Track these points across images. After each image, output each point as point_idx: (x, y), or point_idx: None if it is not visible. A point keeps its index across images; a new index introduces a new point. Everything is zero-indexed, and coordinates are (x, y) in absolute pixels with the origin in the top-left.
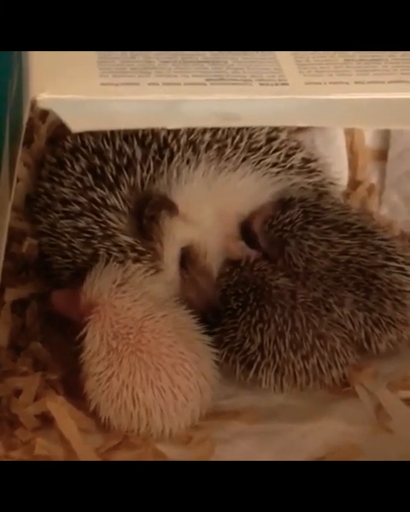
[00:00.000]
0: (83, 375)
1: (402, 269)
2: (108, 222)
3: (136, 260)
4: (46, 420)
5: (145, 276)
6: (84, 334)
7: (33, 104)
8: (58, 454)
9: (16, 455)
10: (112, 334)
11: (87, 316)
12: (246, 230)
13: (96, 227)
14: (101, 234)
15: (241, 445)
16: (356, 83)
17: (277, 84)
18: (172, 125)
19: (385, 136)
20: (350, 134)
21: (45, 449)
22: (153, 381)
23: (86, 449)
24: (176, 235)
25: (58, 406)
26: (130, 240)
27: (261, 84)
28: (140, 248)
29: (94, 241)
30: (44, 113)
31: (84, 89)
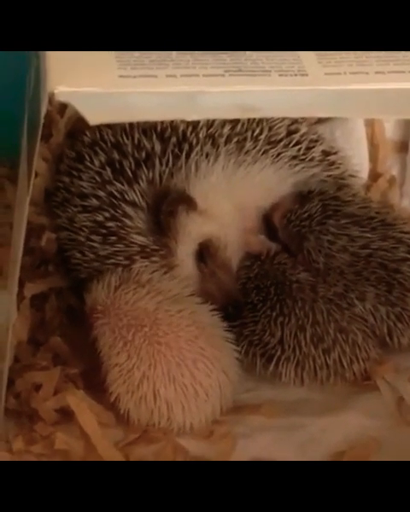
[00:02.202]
0: (105, 367)
1: None
2: (125, 219)
3: (147, 257)
4: (66, 414)
5: (153, 273)
6: (97, 334)
7: (51, 97)
8: (78, 448)
9: (36, 449)
10: (123, 326)
11: (92, 319)
12: (267, 223)
13: (113, 224)
14: (117, 230)
15: (261, 439)
16: (376, 73)
17: (296, 75)
18: (190, 117)
19: (406, 127)
20: (371, 126)
21: (65, 443)
22: (175, 377)
23: (106, 443)
24: (192, 231)
25: (78, 400)
26: (143, 239)
27: (280, 75)
28: (153, 246)
29: (111, 238)
30: (63, 108)
31: (101, 81)
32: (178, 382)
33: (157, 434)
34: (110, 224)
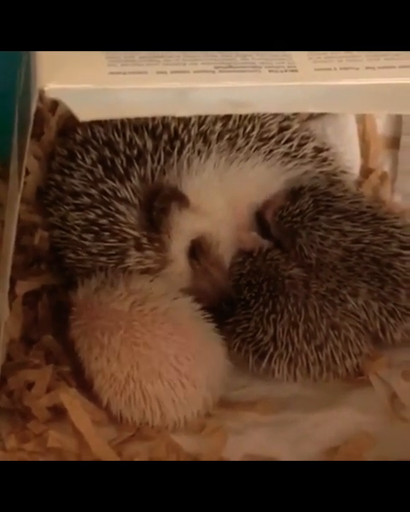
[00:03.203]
0: (88, 373)
1: None
2: (117, 216)
3: (141, 250)
4: (59, 412)
5: (127, 274)
6: (73, 336)
7: (41, 94)
8: (71, 446)
9: (29, 447)
10: (96, 328)
11: (69, 320)
12: (259, 220)
13: (105, 221)
14: (110, 226)
15: (254, 435)
16: (367, 68)
17: (286, 71)
18: (181, 114)
19: (397, 123)
20: (362, 122)
21: (58, 441)
22: (160, 373)
23: (99, 441)
24: (185, 228)
25: (71, 398)
26: (136, 234)
27: (271, 71)
28: (145, 241)
29: (104, 234)
30: (54, 105)
31: (92, 78)
32: (164, 378)
33: (151, 432)
34: (103, 221)
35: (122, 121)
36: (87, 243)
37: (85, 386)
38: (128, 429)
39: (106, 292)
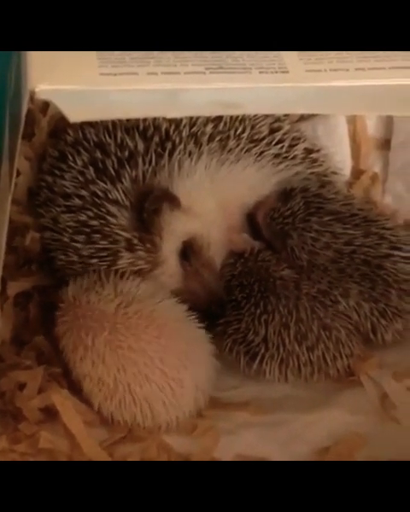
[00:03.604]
0: (75, 376)
1: (408, 258)
2: (108, 217)
3: (133, 250)
4: (50, 413)
5: (117, 275)
6: (57, 332)
7: (32, 95)
8: (62, 447)
9: (20, 448)
10: (81, 327)
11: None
12: (251, 221)
13: (96, 222)
14: (101, 228)
15: (245, 435)
16: (357, 69)
17: (277, 72)
18: (171, 115)
19: (388, 124)
20: (352, 123)
21: (50, 442)
22: (146, 376)
23: (91, 442)
24: (177, 229)
25: (62, 399)
26: (127, 235)
27: (261, 73)
28: (138, 241)
29: (95, 235)
30: (45, 106)
31: (83, 79)
32: (152, 381)
33: (142, 433)
34: (94, 222)
35: (113, 122)
36: (78, 245)
37: (75, 387)
38: (120, 431)
39: (95, 292)
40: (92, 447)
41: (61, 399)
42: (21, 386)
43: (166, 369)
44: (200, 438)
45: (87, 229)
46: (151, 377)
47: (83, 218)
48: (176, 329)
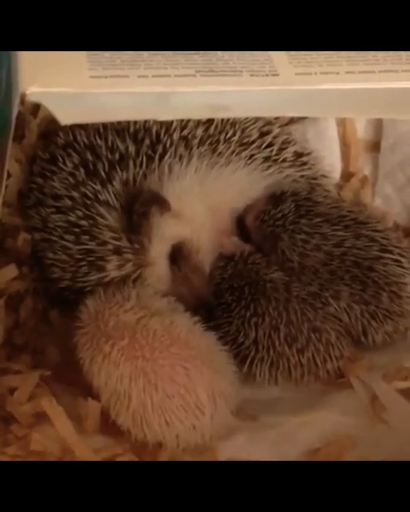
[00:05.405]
0: (96, 389)
1: (398, 260)
2: (98, 218)
3: (120, 253)
4: (41, 416)
5: (141, 289)
6: (75, 343)
7: (23, 98)
8: (54, 450)
9: (11, 451)
10: (102, 337)
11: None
12: (241, 225)
13: (86, 223)
14: (90, 229)
15: (236, 438)
16: (347, 73)
17: (267, 75)
18: (162, 117)
19: (377, 127)
20: (342, 126)
21: (41, 444)
22: (165, 391)
23: (83, 446)
24: (166, 232)
25: (53, 406)
26: (117, 236)
27: (252, 75)
28: (126, 244)
29: (83, 237)
30: (36, 109)
31: (73, 82)
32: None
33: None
34: (83, 222)
35: (104, 125)
36: (69, 245)
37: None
38: (122, 443)
39: (117, 305)
40: (84, 451)
41: (51, 406)
42: (12, 391)
43: (187, 383)
44: None
45: (76, 230)
46: (168, 389)
47: (72, 218)
48: (188, 341)
